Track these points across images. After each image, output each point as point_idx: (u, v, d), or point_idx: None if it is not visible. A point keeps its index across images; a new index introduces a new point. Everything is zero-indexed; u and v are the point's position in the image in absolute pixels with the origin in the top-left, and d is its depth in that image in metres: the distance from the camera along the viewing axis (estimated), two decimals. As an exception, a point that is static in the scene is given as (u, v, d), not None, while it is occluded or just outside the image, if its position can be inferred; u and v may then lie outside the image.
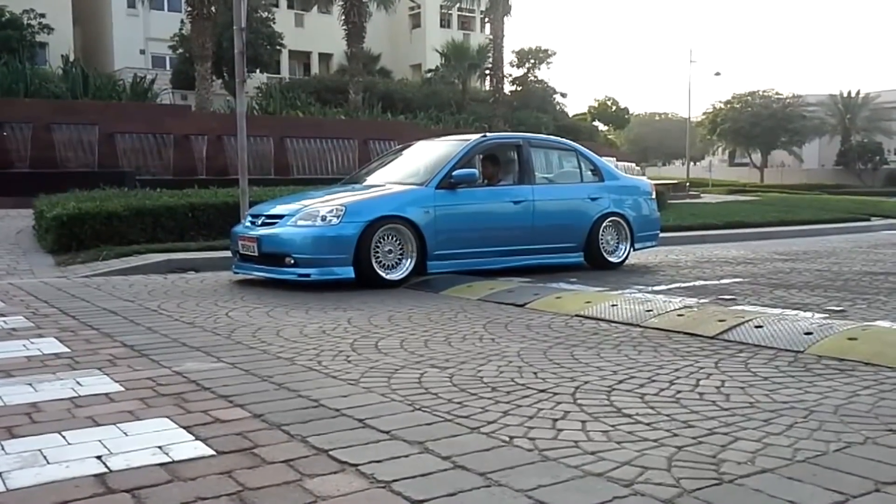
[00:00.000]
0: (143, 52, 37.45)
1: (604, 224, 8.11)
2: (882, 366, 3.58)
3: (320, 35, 41.31)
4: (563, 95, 46.87)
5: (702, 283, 7.17)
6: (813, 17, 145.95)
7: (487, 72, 36.36)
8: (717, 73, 55.11)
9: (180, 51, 32.78)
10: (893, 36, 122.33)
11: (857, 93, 59.99)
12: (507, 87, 38.32)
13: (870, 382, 3.31)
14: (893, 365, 3.57)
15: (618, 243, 8.32)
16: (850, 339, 3.97)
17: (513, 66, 44.15)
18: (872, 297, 6.03)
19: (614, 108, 54.68)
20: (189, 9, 24.00)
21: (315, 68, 43.47)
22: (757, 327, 4.33)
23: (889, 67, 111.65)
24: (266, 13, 33.67)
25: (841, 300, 5.89)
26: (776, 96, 58.33)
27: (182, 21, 29.99)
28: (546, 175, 8.21)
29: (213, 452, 2.48)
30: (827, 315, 5.13)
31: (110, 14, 37.17)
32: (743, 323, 4.44)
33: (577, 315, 5.10)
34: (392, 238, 6.69)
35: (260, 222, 6.90)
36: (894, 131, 57.83)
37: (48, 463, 2.39)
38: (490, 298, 5.88)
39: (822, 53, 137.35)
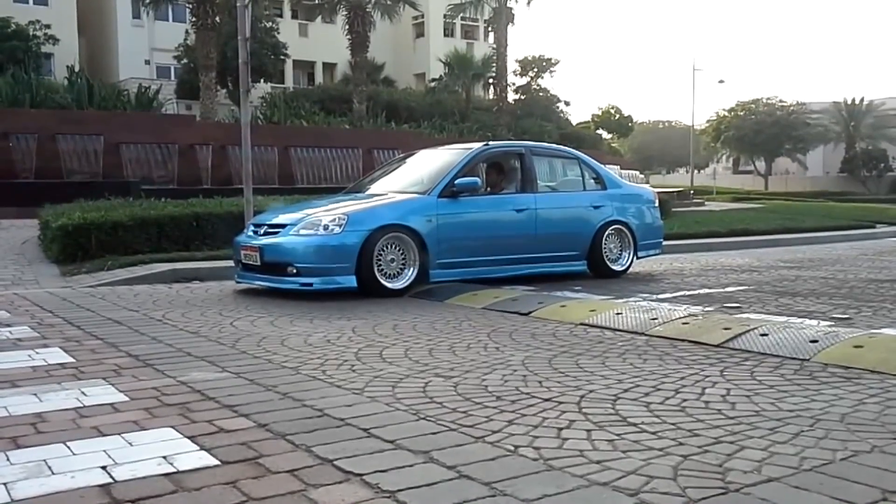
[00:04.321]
0: (147, 62, 37.59)
1: (607, 232, 8.11)
2: (888, 374, 3.56)
3: (324, 45, 41.45)
4: (567, 104, 47.09)
5: (707, 291, 7.15)
6: (817, 25, 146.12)
7: (491, 81, 36.48)
8: (721, 81, 54.97)
9: (185, 61, 32.94)
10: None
11: (862, 100, 59.96)
12: (511, 96, 38.44)
13: (876, 391, 3.29)
14: (900, 373, 3.55)
15: (621, 251, 8.31)
16: (855, 346, 3.95)
17: (516, 74, 44.29)
18: (878, 305, 6.02)
19: (618, 116, 54.70)
20: (193, 19, 24.15)
21: (319, 78, 43.61)
22: (762, 335, 4.31)
23: (893, 74, 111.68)
24: (270, 23, 33.81)
25: (846, 308, 5.87)
26: (780, 104, 58.34)
27: (187, 31, 30.17)
28: (549, 183, 8.21)
29: (218, 462, 2.48)
30: (832, 323, 5.12)
31: (115, 25, 37.34)
32: (748, 331, 4.43)
33: (581, 324, 5.10)
34: (394, 247, 6.69)
35: (262, 231, 6.91)
36: (898, 138, 57.74)
37: (53, 473, 2.39)
38: (494, 307, 5.88)
39: (825, 61, 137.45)
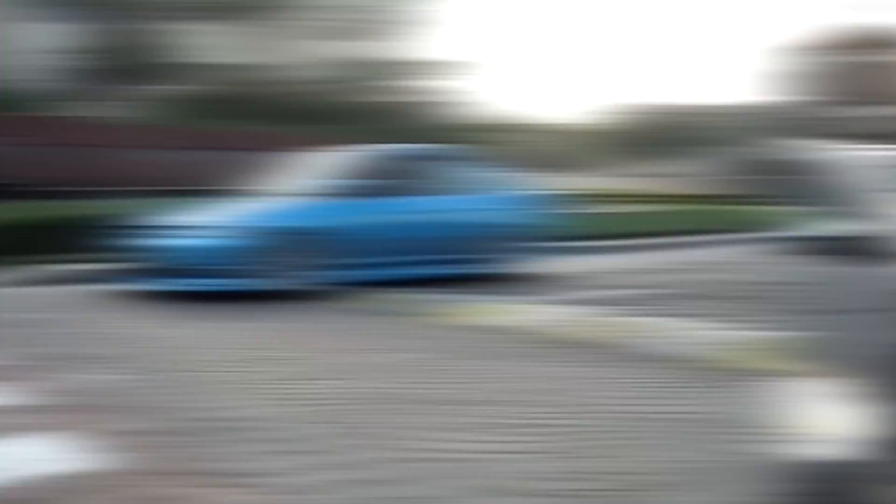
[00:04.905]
0: (28, 61, 35.81)
1: (505, 234, 8.17)
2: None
3: (221, 47, 40.41)
4: (478, 106, 47.36)
5: (609, 293, 7.23)
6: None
7: (398, 82, 36.44)
8: (621, 84, 56.91)
9: (69, 61, 31.55)
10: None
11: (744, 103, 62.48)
12: (418, 98, 38.45)
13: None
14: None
15: (521, 254, 8.35)
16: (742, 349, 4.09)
17: (427, 77, 44.26)
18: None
19: (527, 119, 55.60)
20: (79, 20, 23.29)
21: (215, 80, 42.48)
22: (659, 339, 4.41)
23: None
24: (158, 25, 32.75)
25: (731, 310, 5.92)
26: (677, 107, 60.52)
27: (69, 32, 28.93)
28: (449, 186, 8.23)
29: (114, 464, 2.44)
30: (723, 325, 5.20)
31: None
32: (646, 335, 4.52)
33: (478, 325, 5.11)
34: (295, 248, 6.61)
35: (164, 234, 6.74)
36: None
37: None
38: (390, 310, 5.88)
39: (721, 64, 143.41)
